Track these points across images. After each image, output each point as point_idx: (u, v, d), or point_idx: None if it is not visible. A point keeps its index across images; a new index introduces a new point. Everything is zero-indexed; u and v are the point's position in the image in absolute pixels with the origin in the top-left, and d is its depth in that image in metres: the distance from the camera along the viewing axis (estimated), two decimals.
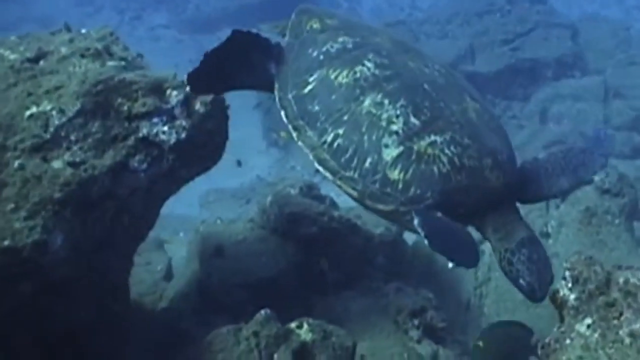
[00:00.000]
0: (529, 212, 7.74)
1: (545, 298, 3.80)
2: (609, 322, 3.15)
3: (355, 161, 3.95)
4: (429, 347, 5.31)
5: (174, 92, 4.27)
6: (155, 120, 4.17)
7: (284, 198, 6.30)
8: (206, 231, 6.85)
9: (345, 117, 4.01)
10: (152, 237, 8.07)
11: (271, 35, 4.67)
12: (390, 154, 3.90)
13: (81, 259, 3.97)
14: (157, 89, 4.23)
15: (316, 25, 4.58)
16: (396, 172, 3.89)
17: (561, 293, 3.28)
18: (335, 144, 4.01)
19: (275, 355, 4.53)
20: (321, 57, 4.32)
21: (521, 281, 3.93)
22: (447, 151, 3.90)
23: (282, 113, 4.30)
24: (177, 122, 4.26)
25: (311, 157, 4.16)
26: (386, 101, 3.99)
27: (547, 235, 7.64)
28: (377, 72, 4.12)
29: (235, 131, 14.35)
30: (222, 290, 5.95)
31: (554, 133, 12.05)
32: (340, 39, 4.39)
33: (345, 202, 11.45)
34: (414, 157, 3.89)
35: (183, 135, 4.25)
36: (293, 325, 4.75)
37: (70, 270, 3.94)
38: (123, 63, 4.33)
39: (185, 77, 4.26)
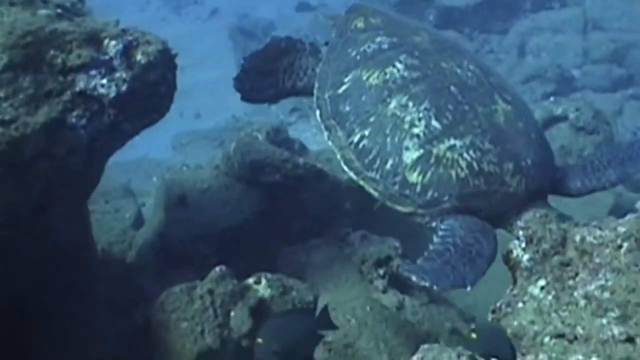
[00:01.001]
0: None
1: None
2: (563, 283, 3.01)
3: (377, 162, 4.05)
4: (394, 297, 5.19)
5: (112, 42, 4.00)
6: (92, 72, 3.90)
7: (246, 145, 6.09)
8: (171, 179, 6.66)
9: (372, 119, 4.10)
10: (121, 184, 7.94)
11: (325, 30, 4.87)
12: (410, 156, 3.97)
13: (19, 221, 3.76)
14: (94, 39, 3.95)
15: (360, 25, 4.61)
16: (415, 174, 3.96)
17: (514, 254, 3.12)
18: (361, 145, 4.11)
19: (232, 313, 4.41)
20: (358, 57, 4.38)
21: None
22: (465, 155, 3.93)
23: (317, 113, 4.40)
24: (117, 74, 3.99)
25: (338, 156, 4.24)
26: (410, 104, 4.04)
27: None
28: (405, 73, 4.15)
29: (210, 71, 14.13)
30: (184, 243, 5.83)
31: (532, 67, 11.81)
32: (378, 39, 4.42)
33: (318, 144, 11.32)
34: (432, 160, 3.94)
35: (124, 87, 4.00)
36: (251, 280, 4.62)
37: (9, 232, 3.75)
38: (59, 11, 4.02)
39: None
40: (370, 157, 4.08)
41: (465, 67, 4.29)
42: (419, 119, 4.01)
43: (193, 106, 12.63)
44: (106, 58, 3.98)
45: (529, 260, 3.08)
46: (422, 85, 4.11)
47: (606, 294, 2.84)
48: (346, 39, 4.58)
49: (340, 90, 4.31)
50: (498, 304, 3.05)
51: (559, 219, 3.16)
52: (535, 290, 3.02)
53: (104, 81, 3.96)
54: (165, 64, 4.26)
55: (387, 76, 4.18)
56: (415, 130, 3.99)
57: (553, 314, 2.92)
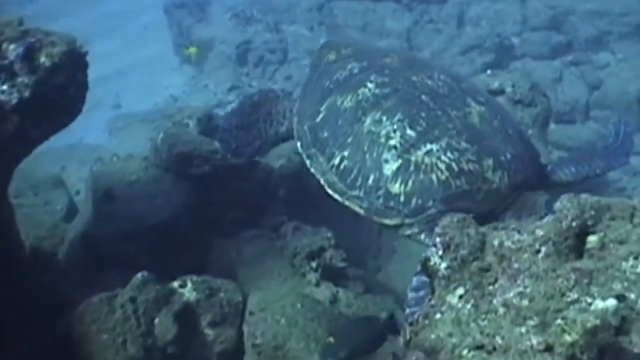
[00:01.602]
0: None
1: None
2: (483, 289, 2.93)
3: (359, 180, 4.07)
4: (328, 291, 5.09)
5: (12, 46, 3.76)
6: None
7: (173, 137, 5.88)
8: (98, 171, 6.43)
9: (350, 139, 4.15)
10: (51, 174, 7.66)
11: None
12: (390, 168, 3.99)
13: None
14: None
15: (332, 57, 4.76)
16: (397, 185, 3.97)
17: (432, 261, 3.01)
18: (342, 166, 4.15)
19: (156, 320, 4.26)
20: (331, 85, 4.46)
21: None
22: (443, 158, 3.94)
23: (298, 144, 4.47)
24: (19, 80, 3.76)
25: (322, 182, 4.28)
26: (384, 118, 4.09)
27: None
28: (377, 91, 4.22)
29: (146, 49, 13.74)
30: (112, 242, 5.63)
31: (471, 37, 11.68)
32: (349, 66, 4.52)
33: None
34: (412, 168, 3.96)
35: (27, 93, 3.77)
36: (176, 284, 4.49)
37: None
38: None
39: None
40: (352, 176, 4.11)
41: (436, 77, 4.35)
42: (394, 131, 4.04)
43: (129, 86, 12.27)
44: (5, 63, 3.74)
45: (447, 268, 2.98)
46: (394, 99, 4.16)
47: (525, 302, 2.77)
48: (320, 72, 4.70)
49: (318, 119, 4.36)
50: (415, 316, 2.95)
51: (477, 223, 3.06)
52: (453, 299, 2.93)
53: (5, 87, 3.73)
54: (73, 64, 4.03)
55: (360, 97, 4.24)
56: (392, 142, 4.02)
57: (472, 324, 2.84)
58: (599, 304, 2.59)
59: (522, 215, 3.96)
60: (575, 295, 2.71)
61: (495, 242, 2.97)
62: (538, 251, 2.85)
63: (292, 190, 6.28)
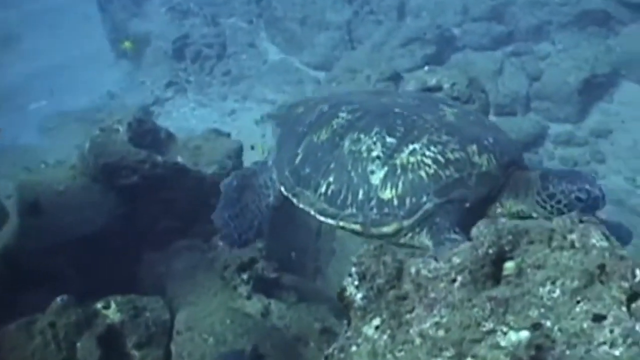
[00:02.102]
0: None
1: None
2: (400, 318, 2.86)
3: (349, 198, 4.08)
4: (259, 303, 5.00)
5: None
6: None
7: (99, 146, 5.70)
8: (24, 180, 6.19)
9: (332, 165, 4.19)
10: None
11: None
12: (377, 177, 4.01)
13: None
14: None
15: (301, 109, 4.88)
16: (388, 191, 3.98)
17: (347, 292, 2.93)
18: (330, 192, 4.16)
19: (78, 344, 4.11)
20: (305, 129, 4.52)
21: (580, 196, 3.83)
22: (428, 153, 3.96)
23: (282, 189, 4.51)
24: None
25: (312, 213, 4.26)
26: (362, 135, 4.14)
27: None
28: (349, 117, 4.30)
29: (81, 45, 13.43)
30: (37, 256, 5.41)
31: (411, 29, 11.64)
32: (318, 108, 4.60)
33: (197, 119, 10.97)
34: (399, 171, 3.98)
35: None
36: (99, 305, 4.34)
37: None
38: None
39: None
40: (341, 197, 4.11)
41: (405, 96, 4.55)
42: (374, 143, 4.08)
43: (65, 83, 11.95)
44: None
45: (363, 298, 2.90)
46: (368, 118, 4.22)
47: (441, 332, 2.72)
48: (291, 125, 4.78)
49: (297, 161, 4.42)
50: (331, 349, 2.87)
51: (394, 251, 2.99)
52: (369, 330, 2.85)
53: None
54: None
55: (334, 126, 4.30)
56: (374, 153, 4.05)
57: (388, 355, 2.77)
58: (512, 337, 2.56)
59: (519, 193, 3.99)
60: (491, 325, 2.67)
61: (412, 270, 2.91)
62: (454, 280, 2.80)
63: None
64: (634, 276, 2.71)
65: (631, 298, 2.66)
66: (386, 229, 3.98)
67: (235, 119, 11.31)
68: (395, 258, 2.97)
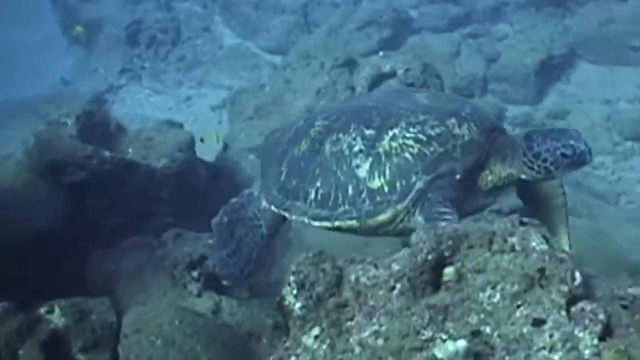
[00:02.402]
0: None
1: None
2: (340, 327, 2.82)
3: (340, 197, 4.07)
4: (210, 301, 4.94)
5: None
6: None
7: (45, 142, 5.56)
8: None
9: (318, 171, 4.18)
10: None
11: None
12: (364, 170, 4.02)
13: None
14: None
15: (277, 135, 4.93)
16: (377, 180, 3.98)
17: (287, 301, 2.88)
18: (320, 196, 4.16)
19: (21, 352, 4.02)
20: (284, 147, 4.53)
21: (566, 152, 3.82)
22: (409, 135, 3.96)
23: (273, 208, 4.47)
24: None
25: (307, 221, 4.23)
26: (341, 135, 4.14)
27: None
28: (326, 123, 4.29)
29: (32, 32, 13.12)
30: None
31: (367, 12, 11.55)
32: (294, 126, 4.62)
33: (153, 106, 10.80)
34: (384, 158, 3.98)
35: None
36: (42, 311, 4.24)
37: None
38: None
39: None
40: (332, 198, 4.11)
41: (378, 94, 4.70)
42: (354, 139, 4.08)
43: (17, 71, 11.69)
44: None
45: (302, 307, 2.85)
46: (344, 119, 4.22)
47: (380, 341, 2.68)
48: (270, 150, 4.79)
49: (283, 178, 4.42)
50: None
51: (334, 258, 2.94)
52: (309, 340, 2.80)
53: None
54: None
55: (313, 135, 4.30)
56: (356, 148, 4.06)
57: None
58: (449, 347, 2.52)
59: (506, 157, 3.99)
60: (430, 334, 2.64)
61: (352, 278, 2.86)
62: (393, 288, 2.76)
63: (177, 191, 6.07)
64: (574, 279, 2.70)
65: (571, 302, 2.65)
66: (382, 217, 3.98)
67: (191, 106, 11.18)
68: (335, 265, 2.92)
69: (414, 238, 2.88)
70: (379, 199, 3.97)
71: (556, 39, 11.04)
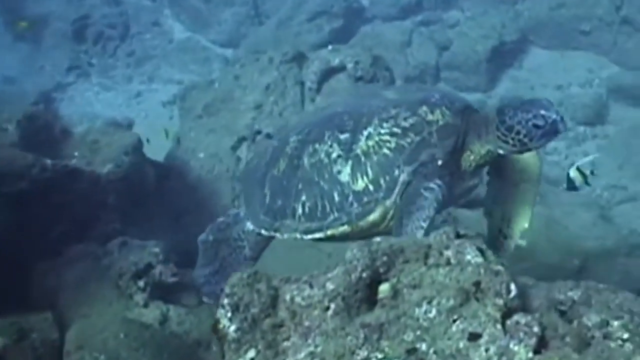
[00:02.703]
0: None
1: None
2: (276, 348, 2.78)
3: (327, 205, 4.09)
4: (157, 310, 4.87)
5: None
6: None
7: None
8: None
9: (300, 185, 4.20)
10: None
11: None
12: (345, 174, 4.04)
13: None
14: None
15: (254, 161, 4.94)
16: (360, 181, 4.01)
17: (221, 324, 2.83)
18: (307, 209, 4.17)
19: None
20: (263, 170, 4.54)
21: (537, 122, 3.81)
22: (383, 131, 3.99)
23: (263, 232, 4.46)
24: None
25: (299, 236, 4.24)
26: (316, 145, 4.18)
27: None
28: (299, 137, 4.32)
29: None
30: None
31: (318, 2, 11.44)
32: (269, 148, 4.64)
33: (102, 103, 10.59)
34: (363, 158, 4.02)
35: None
36: None
37: None
38: None
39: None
40: (320, 208, 4.13)
41: (346, 98, 4.75)
42: (330, 146, 4.12)
43: None
44: None
45: (237, 330, 2.80)
46: (316, 129, 4.25)
47: None
48: (250, 176, 4.80)
49: (267, 200, 4.43)
50: None
51: (269, 277, 2.89)
52: None
53: None
54: None
55: (289, 152, 4.32)
56: (334, 155, 4.10)
57: None
58: None
59: (481, 133, 3.99)
60: (365, 353, 2.62)
61: (287, 297, 2.83)
62: (327, 308, 2.74)
63: (123, 195, 5.96)
64: (509, 292, 2.69)
65: (506, 315, 2.64)
66: (373, 217, 3.99)
67: (142, 102, 11.02)
68: (270, 285, 2.88)
69: (348, 255, 2.84)
70: (365, 199, 4.00)
71: (507, 24, 11.08)
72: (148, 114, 10.44)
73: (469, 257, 2.80)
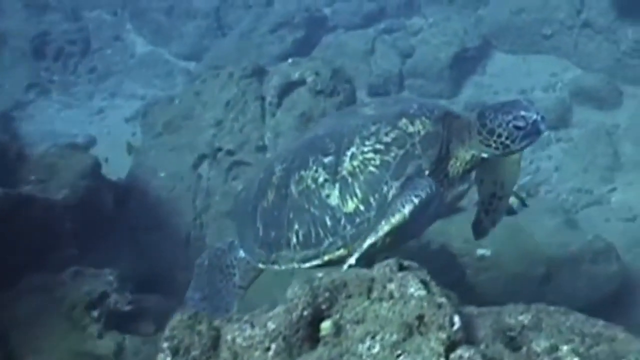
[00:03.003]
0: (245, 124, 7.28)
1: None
2: None
3: (321, 231, 4.08)
4: (112, 342, 4.80)
5: None
6: None
7: None
8: None
9: (291, 214, 4.19)
10: None
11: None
12: (334, 197, 4.04)
13: None
14: None
15: (243, 194, 5.01)
16: (350, 203, 4.00)
17: None
18: (301, 238, 4.17)
19: None
20: (253, 203, 4.56)
21: (518, 124, 3.84)
22: (366, 149, 3.99)
23: (260, 265, 4.50)
24: None
25: (297, 265, 4.25)
26: (302, 172, 4.18)
27: (263, 148, 7.19)
28: (284, 165, 4.34)
29: None
30: None
31: (280, 13, 11.39)
32: (255, 180, 4.69)
33: (63, 121, 10.41)
34: (350, 179, 4.01)
35: None
36: None
37: None
38: None
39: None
40: (314, 235, 4.12)
41: (326, 120, 4.83)
42: (316, 171, 4.12)
43: None
44: None
45: None
46: (300, 155, 4.27)
47: None
48: (241, 210, 4.85)
49: (261, 233, 4.44)
50: None
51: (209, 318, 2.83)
52: None
53: None
54: None
55: (276, 182, 4.34)
56: (321, 179, 4.09)
57: None
58: None
59: (464, 139, 4.01)
60: None
61: (229, 338, 2.79)
62: (268, 348, 2.70)
63: (80, 221, 5.87)
64: (452, 324, 2.66)
65: (449, 348, 2.62)
66: (369, 240, 3.91)
67: (104, 118, 10.89)
68: (211, 326, 2.83)
69: (289, 293, 2.80)
70: (358, 220, 3.99)
71: (469, 30, 11.09)
72: (111, 131, 10.32)
73: (411, 290, 2.77)
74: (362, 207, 3.98)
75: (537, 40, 11.11)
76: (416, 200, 3.76)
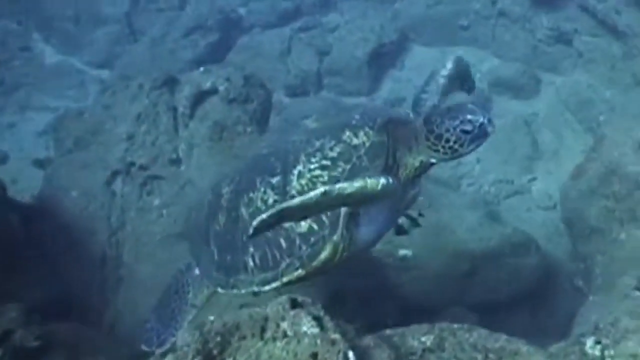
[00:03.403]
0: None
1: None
2: None
3: (277, 253, 4.06)
4: None
5: None
6: None
7: None
8: None
9: (245, 238, 4.14)
10: None
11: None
12: None
13: None
14: None
15: (193, 215, 5.00)
16: (303, 222, 3.94)
17: None
18: (258, 261, 4.15)
19: None
20: (206, 226, 4.56)
21: (466, 128, 3.83)
22: (312, 166, 3.97)
23: (220, 290, 4.45)
24: None
25: (256, 289, 4.20)
26: (251, 194, 4.18)
27: (177, 161, 7.04)
28: (231, 187, 4.36)
29: None
30: None
31: (192, 17, 11.14)
32: (205, 201, 4.69)
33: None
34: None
35: None
36: None
37: None
38: None
39: None
40: (270, 257, 4.10)
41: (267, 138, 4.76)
42: (264, 192, 4.11)
43: None
44: None
45: None
46: (246, 176, 4.30)
47: None
48: (194, 232, 4.86)
49: (216, 257, 4.43)
50: None
51: None
52: None
53: None
54: None
55: (225, 205, 4.36)
56: (270, 200, 4.07)
57: None
58: None
59: (411, 146, 4.00)
60: None
61: None
62: None
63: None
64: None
65: None
66: (324, 255, 3.94)
67: (15, 133, 10.52)
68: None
69: (179, 340, 2.73)
70: (312, 239, 3.96)
71: (386, 25, 11.07)
72: (23, 146, 9.99)
73: (305, 328, 2.74)
74: (315, 226, 3.95)
75: (455, 32, 11.19)
76: (384, 180, 3.71)
